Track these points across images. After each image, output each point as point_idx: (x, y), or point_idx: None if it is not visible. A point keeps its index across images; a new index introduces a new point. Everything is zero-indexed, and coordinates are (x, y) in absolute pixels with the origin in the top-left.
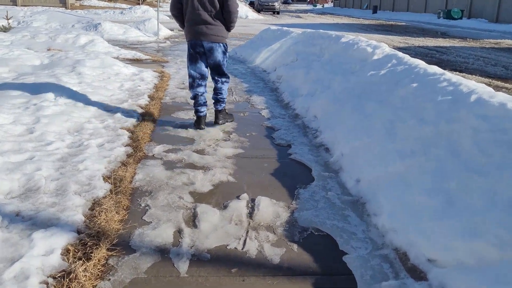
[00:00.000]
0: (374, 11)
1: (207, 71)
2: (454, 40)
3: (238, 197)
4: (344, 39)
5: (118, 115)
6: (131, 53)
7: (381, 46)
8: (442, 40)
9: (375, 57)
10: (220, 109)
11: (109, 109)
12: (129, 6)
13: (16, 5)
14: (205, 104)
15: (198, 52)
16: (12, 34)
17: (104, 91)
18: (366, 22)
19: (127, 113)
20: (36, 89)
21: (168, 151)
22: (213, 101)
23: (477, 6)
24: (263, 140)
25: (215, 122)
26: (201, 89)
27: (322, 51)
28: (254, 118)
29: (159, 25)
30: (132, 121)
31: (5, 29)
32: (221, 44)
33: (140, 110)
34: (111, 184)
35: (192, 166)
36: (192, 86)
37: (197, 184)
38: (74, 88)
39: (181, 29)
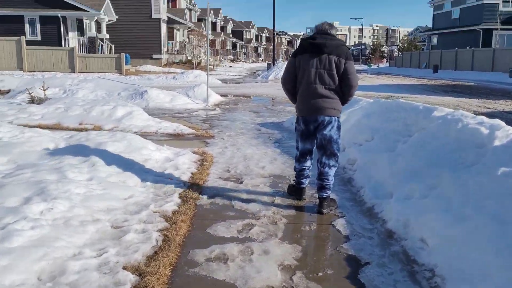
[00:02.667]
0: (435, 71)
1: None
2: None
3: None
4: (438, 112)
5: (128, 237)
6: (173, 126)
7: (500, 125)
8: None
9: (497, 143)
10: (324, 196)
11: (118, 225)
12: (182, 70)
13: (74, 72)
14: (308, 176)
15: (311, 129)
16: (45, 107)
17: (120, 191)
18: (429, 82)
19: (143, 231)
20: (21, 195)
21: None
22: (317, 186)
23: None
24: None
25: (319, 212)
26: (307, 163)
27: (407, 128)
28: (326, 235)
29: (209, 91)
30: (145, 250)
31: (39, 101)
32: (337, 119)
33: (162, 224)
34: None
35: None
36: (299, 161)
37: None
38: (78, 190)
39: (237, 94)
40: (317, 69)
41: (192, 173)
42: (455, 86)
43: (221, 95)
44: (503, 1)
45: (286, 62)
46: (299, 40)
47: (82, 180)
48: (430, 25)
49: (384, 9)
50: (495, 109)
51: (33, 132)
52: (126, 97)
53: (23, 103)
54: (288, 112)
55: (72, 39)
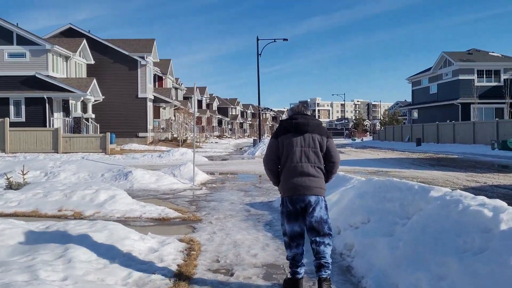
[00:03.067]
0: (418, 144)
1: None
2: None
3: None
4: (435, 192)
5: None
6: (158, 210)
7: (504, 207)
8: None
9: (504, 227)
10: (325, 276)
11: None
12: (168, 148)
13: (57, 152)
14: (303, 265)
15: (298, 209)
16: (23, 192)
17: None
18: (414, 155)
19: None
20: None
21: None
22: (316, 267)
23: None
24: None
25: None
26: (300, 249)
27: (404, 210)
28: None
29: (195, 170)
30: None
31: (18, 186)
32: (323, 198)
33: None
34: None
35: None
36: (290, 247)
37: None
38: None
39: (224, 172)
40: (302, 147)
41: (178, 265)
42: (440, 159)
43: (208, 173)
44: (477, 77)
45: (267, 144)
46: (279, 121)
47: (56, 281)
48: (409, 99)
49: (365, 85)
50: (485, 183)
51: (5, 224)
52: (110, 178)
53: (1, 188)
54: (277, 190)
55: (57, 119)
